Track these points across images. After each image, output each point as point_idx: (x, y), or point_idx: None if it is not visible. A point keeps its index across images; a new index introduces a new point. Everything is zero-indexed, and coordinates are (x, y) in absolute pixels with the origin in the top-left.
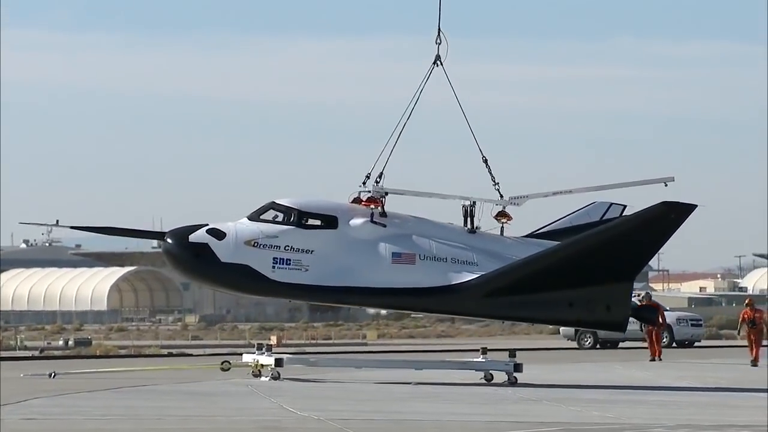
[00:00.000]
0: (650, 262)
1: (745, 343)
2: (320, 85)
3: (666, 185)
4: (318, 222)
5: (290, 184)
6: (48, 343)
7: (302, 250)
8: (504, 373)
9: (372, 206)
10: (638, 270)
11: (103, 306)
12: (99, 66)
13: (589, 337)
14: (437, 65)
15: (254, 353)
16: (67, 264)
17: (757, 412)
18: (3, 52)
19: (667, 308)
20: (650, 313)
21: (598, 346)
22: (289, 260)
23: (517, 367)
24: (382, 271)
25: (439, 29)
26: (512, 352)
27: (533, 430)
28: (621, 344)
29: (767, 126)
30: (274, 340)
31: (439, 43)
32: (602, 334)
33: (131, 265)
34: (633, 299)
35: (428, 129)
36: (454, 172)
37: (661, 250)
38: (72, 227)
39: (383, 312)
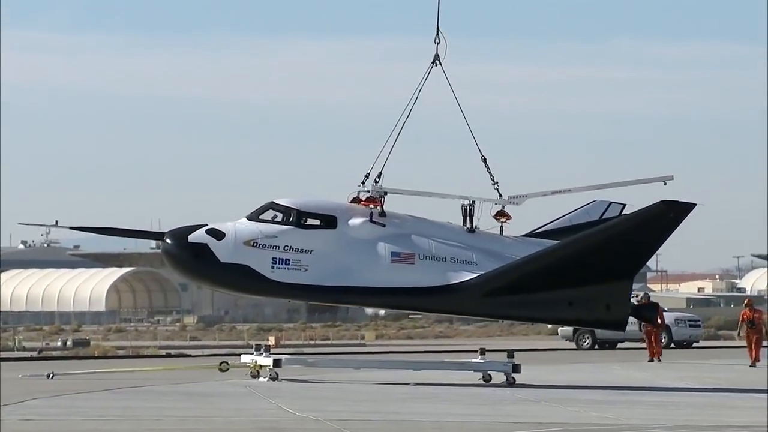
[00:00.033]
0: (648, 263)
1: (744, 343)
2: (319, 85)
3: (665, 184)
4: (317, 222)
5: (289, 184)
6: (46, 344)
7: (301, 250)
8: (502, 373)
9: (371, 206)
10: (638, 269)
11: (101, 307)
12: (98, 67)
13: (588, 338)
14: (436, 65)
15: (252, 354)
16: (66, 265)
17: (756, 412)
18: (2, 53)
19: (666, 309)
20: (650, 311)
21: (596, 346)
22: (289, 260)
23: (516, 368)
24: (381, 270)
25: (437, 28)
26: (510, 353)
27: (531, 430)
28: (619, 345)
29: (767, 127)
30: (272, 340)
31: (438, 43)
32: (600, 334)
33: (129, 265)
34: (632, 299)
35: (427, 129)
36: (453, 171)
37: (659, 251)
38: (71, 228)
39: (381, 313)
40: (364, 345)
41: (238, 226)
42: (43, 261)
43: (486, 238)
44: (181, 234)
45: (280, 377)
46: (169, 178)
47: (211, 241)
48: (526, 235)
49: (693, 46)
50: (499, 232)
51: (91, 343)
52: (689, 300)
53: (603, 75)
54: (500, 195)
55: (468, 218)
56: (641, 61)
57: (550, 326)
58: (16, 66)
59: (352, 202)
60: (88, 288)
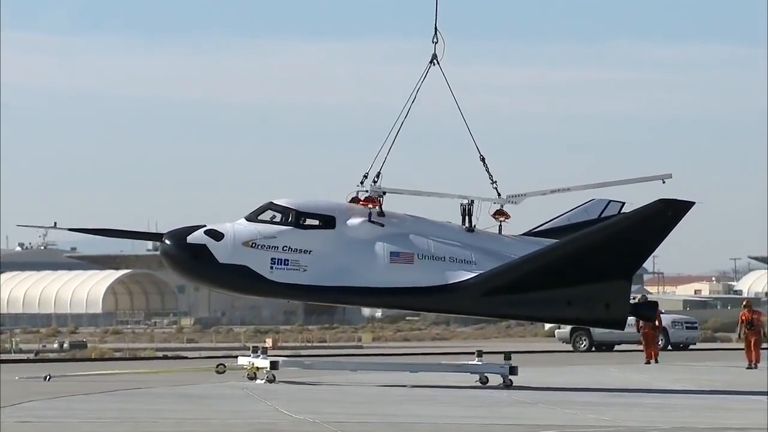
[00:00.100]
0: (645, 265)
1: (741, 345)
2: (318, 86)
3: (664, 182)
4: (316, 222)
5: (288, 184)
6: (43, 346)
7: (300, 251)
8: (499, 375)
9: (370, 206)
10: (637, 267)
11: (98, 309)
12: (97, 68)
13: (585, 340)
14: (434, 64)
15: (249, 356)
16: (63, 267)
17: (753, 414)
18: (1, 54)
19: (663, 311)
20: (649, 310)
21: (593, 348)
22: (287, 260)
23: (513, 370)
24: (380, 270)
25: (435, 28)
26: (507, 355)
27: None
28: (616, 347)
29: (765, 129)
30: (269, 342)
31: (436, 42)
32: (597, 336)
33: (126, 267)
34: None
35: (426, 128)
36: (452, 171)
37: (656, 253)
38: (70, 229)
39: (378, 315)
40: (361, 347)
41: (236, 226)
42: (40, 263)
43: (485, 237)
44: (179, 235)
45: (277, 379)
46: (166, 180)
47: (210, 242)
48: (524, 234)
49: (692, 47)
50: (498, 231)
51: (88, 345)
52: (686, 302)
53: (602, 76)
54: (499, 194)
55: (467, 217)
56: (640, 62)
57: (547, 328)
58: (15, 67)
59: (350, 202)
60: (85, 290)
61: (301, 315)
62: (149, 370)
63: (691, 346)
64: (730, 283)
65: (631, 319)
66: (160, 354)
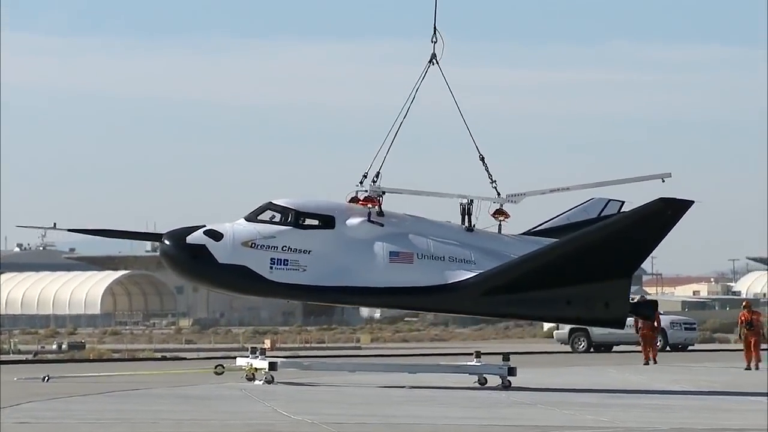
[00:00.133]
0: (644, 266)
1: (739, 346)
2: (317, 87)
3: (663, 181)
4: (315, 222)
5: (287, 184)
6: (42, 347)
7: (300, 251)
8: (498, 376)
9: (369, 205)
10: (636, 266)
11: (96, 310)
12: (95, 69)
13: (583, 341)
14: (433, 63)
15: (248, 357)
16: (61, 268)
17: (752, 415)
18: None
19: (661, 312)
20: (648, 309)
21: (591, 349)
22: (287, 261)
23: (511, 371)
24: (379, 270)
25: (435, 27)
26: (506, 356)
27: None
28: (615, 348)
29: (765, 129)
30: (267, 343)
31: (435, 42)
32: (596, 337)
33: (125, 268)
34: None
35: (425, 128)
36: (452, 171)
37: (654, 254)
38: (69, 230)
39: (377, 315)
40: (359, 348)
41: (236, 227)
42: (38, 264)
43: (484, 236)
44: (179, 235)
45: (275, 380)
46: (165, 180)
47: (210, 242)
48: (524, 234)
49: (690, 48)
50: (497, 231)
51: (87, 346)
52: (684, 303)
53: (601, 77)
54: (498, 193)
55: (466, 217)
56: (639, 63)
57: (545, 329)
58: (15, 68)
59: (350, 201)
60: (83, 291)
61: (299, 316)
62: (148, 371)
63: (690, 347)
64: (728, 284)
65: (629, 321)
66: (159, 355)
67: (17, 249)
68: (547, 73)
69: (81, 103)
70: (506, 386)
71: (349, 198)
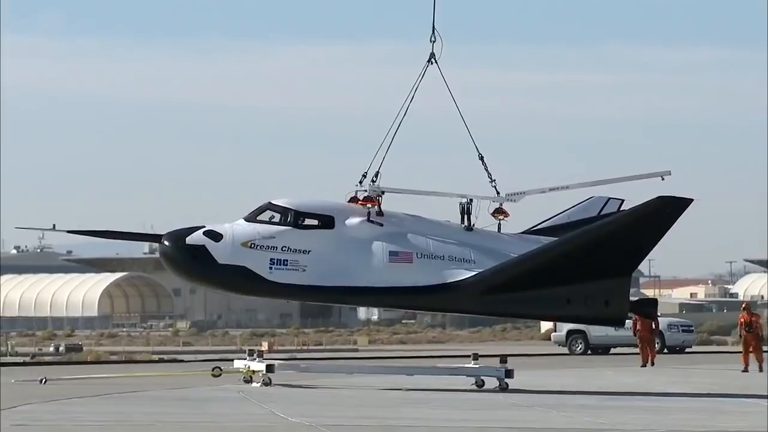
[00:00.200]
0: (641, 268)
1: (736, 348)
2: (317, 88)
3: (663, 179)
4: (315, 222)
5: (287, 184)
6: (39, 349)
7: (299, 251)
8: (495, 378)
9: (369, 205)
10: (636, 265)
11: (94, 312)
12: (94, 70)
13: (581, 343)
14: (432, 63)
15: (245, 359)
16: (59, 270)
17: (749, 417)
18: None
19: (659, 314)
20: (648, 307)
21: (589, 351)
22: (287, 261)
23: (509, 373)
24: (379, 270)
25: (433, 27)
26: (503, 358)
27: None
28: (612, 350)
29: (763, 132)
30: (265, 346)
31: (434, 41)
32: (593, 339)
33: (122, 271)
34: None
35: (425, 128)
36: (451, 170)
37: (652, 256)
38: (69, 231)
39: (374, 318)
40: (356, 350)
41: (235, 227)
42: (36, 266)
43: (484, 236)
44: (178, 236)
45: (272, 382)
46: (163, 182)
47: (209, 243)
48: (524, 233)
49: (689, 50)
50: (497, 230)
51: (84, 348)
52: (682, 305)
53: (599, 78)
54: (498, 192)
55: (466, 216)
56: (637, 65)
57: (543, 331)
58: (13, 69)
59: (349, 201)
60: (80, 293)
61: (297, 318)
62: (145, 374)
63: (687, 349)
64: (726, 286)
65: (627, 323)
66: (156, 357)
67: (15, 251)
68: (546, 75)
69: (78, 105)
70: (504, 388)
71: (348, 198)
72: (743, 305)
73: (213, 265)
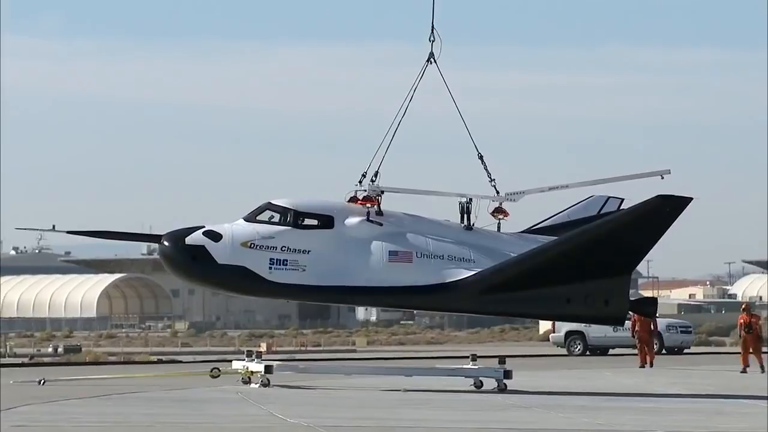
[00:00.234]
0: (640, 269)
1: (734, 349)
2: (316, 89)
3: (662, 178)
4: (314, 222)
5: (286, 184)
6: (37, 350)
7: (299, 251)
8: (494, 379)
9: (368, 205)
10: (635, 264)
11: (92, 313)
12: (93, 72)
13: (579, 344)
14: (431, 62)
15: (244, 360)
16: (57, 271)
17: (747, 418)
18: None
19: (657, 315)
20: (648, 306)
21: (587, 352)
22: (286, 261)
23: (507, 374)
24: (378, 269)
25: (432, 26)
26: (502, 359)
27: None
28: (611, 351)
29: (762, 133)
30: (263, 347)
31: (433, 41)
32: (592, 340)
33: (121, 272)
34: None
35: (424, 128)
36: (451, 170)
37: (650, 257)
38: (69, 232)
39: (373, 319)
40: (355, 351)
41: (235, 227)
42: (34, 267)
43: (484, 235)
44: (178, 236)
45: (271, 383)
46: (161, 183)
47: (209, 243)
48: (524, 232)
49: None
50: (496, 230)
51: (83, 349)
52: (680, 306)
53: (599, 79)
54: (497, 192)
55: (465, 216)
56: (636, 66)
57: (541, 332)
58: (12, 70)
59: (349, 201)
60: (79, 294)
61: (295, 319)
62: (143, 374)
63: (686, 350)
64: (724, 287)
65: (626, 324)
66: (155, 358)
67: (13, 252)
68: (546, 76)
69: (78, 106)
70: (502, 389)
71: (348, 198)
72: (743, 306)
73: (213, 265)
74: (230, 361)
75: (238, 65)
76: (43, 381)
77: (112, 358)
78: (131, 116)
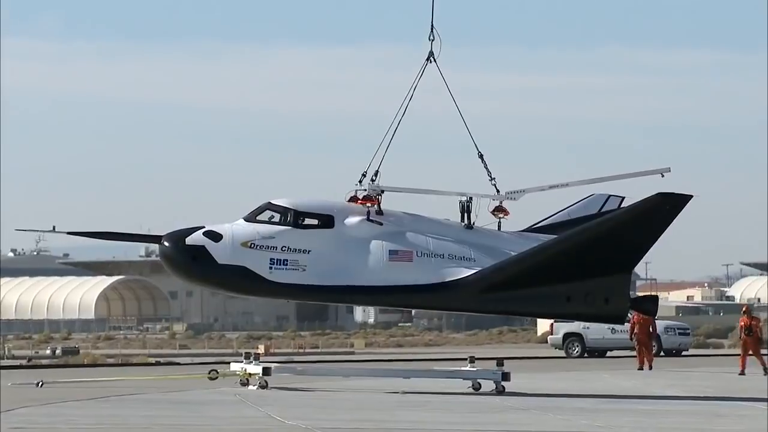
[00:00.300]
0: (638, 271)
1: (732, 351)
2: (316, 90)
3: (662, 176)
4: (314, 222)
5: (286, 184)
6: (36, 352)
7: (299, 250)
8: (492, 381)
9: (368, 204)
10: (636, 262)
11: (90, 315)
12: (91, 73)
13: (577, 346)
14: (431, 62)
15: (242, 362)
16: (55, 273)
17: (745, 420)
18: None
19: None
20: (649, 303)
21: (585, 354)
22: (286, 261)
23: (505, 376)
24: (379, 269)
25: (432, 25)
26: (500, 361)
27: None
28: (609, 353)
29: (761, 134)
30: (261, 349)
31: (432, 40)
32: (590, 342)
33: (119, 273)
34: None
35: (424, 127)
36: (451, 169)
37: (648, 259)
38: (68, 233)
39: (371, 320)
40: (353, 353)
41: (235, 227)
42: (32, 269)
43: (484, 234)
44: (178, 237)
45: (269, 385)
46: (161, 183)
47: (209, 243)
48: (524, 231)
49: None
50: (497, 228)
51: (81, 351)
52: (678, 308)
53: (599, 80)
54: (498, 191)
55: (466, 215)
56: (635, 67)
57: (539, 334)
58: (12, 72)
59: (349, 201)
60: (77, 296)
61: (293, 321)
62: (142, 376)
63: (684, 352)
64: (722, 289)
65: (626, 324)
66: (153, 360)
67: (11, 254)
68: (546, 77)
69: (77, 107)
70: (500, 391)
71: (348, 197)
72: (743, 309)
73: (213, 265)
74: (228, 363)
75: (238, 66)
76: (41, 383)
77: (110, 360)
78: (130, 117)
